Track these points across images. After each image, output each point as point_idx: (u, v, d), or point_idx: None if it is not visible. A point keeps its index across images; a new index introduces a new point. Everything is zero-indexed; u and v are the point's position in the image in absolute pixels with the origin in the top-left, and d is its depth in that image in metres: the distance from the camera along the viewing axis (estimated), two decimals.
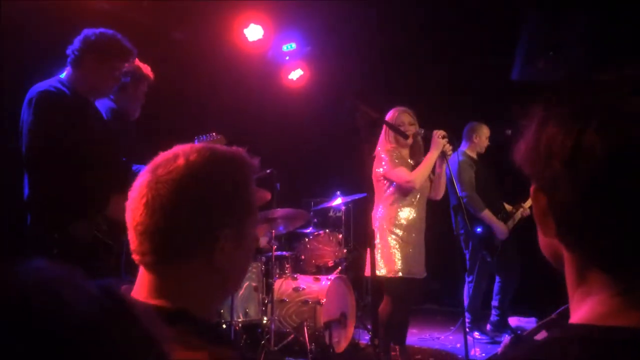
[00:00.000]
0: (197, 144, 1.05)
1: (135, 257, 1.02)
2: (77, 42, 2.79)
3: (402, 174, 3.77)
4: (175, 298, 0.98)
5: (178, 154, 1.01)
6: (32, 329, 0.44)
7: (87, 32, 2.80)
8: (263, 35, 5.52)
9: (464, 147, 5.09)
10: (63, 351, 0.44)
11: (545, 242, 0.76)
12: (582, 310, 0.69)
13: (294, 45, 5.99)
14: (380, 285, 3.80)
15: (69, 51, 2.79)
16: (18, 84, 2.89)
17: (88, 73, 2.79)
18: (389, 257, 3.74)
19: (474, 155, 5.09)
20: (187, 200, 0.97)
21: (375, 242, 3.79)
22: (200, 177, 0.99)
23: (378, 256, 3.74)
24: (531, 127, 0.73)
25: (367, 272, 3.89)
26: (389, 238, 3.77)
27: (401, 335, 3.98)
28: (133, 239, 1.01)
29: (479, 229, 4.83)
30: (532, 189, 0.73)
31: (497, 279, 5.03)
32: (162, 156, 1.03)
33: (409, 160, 3.91)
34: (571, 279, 0.72)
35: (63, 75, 2.81)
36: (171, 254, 0.99)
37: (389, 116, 3.87)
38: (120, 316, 0.50)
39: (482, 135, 5.08)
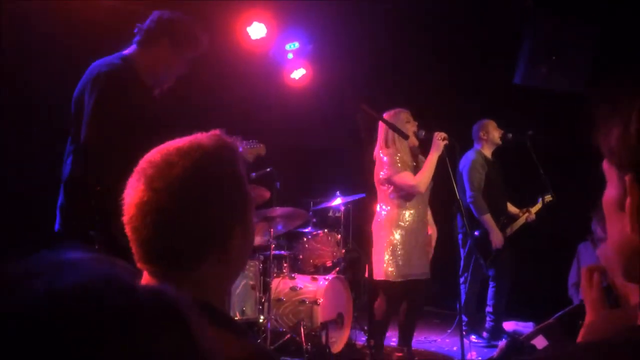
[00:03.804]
0: (177, 142, 1.01)
1: (147, 267, 1.01)
2: (151, 21, 2.52)
3: (407, 178, 3.76)
4: (195, 295, 0.98)
5: (171, 162, 0.98)
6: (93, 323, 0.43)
7: (164, 13, 2.53)
8: (266, 34, 5.51)
9: (477, 147, 5.04)
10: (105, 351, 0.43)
11: (628, 238, 0.67)
12: None
13: (297, 44, 5.97)
14: (379, 286, 3.80)
15: (139, 29, 2.52)
16: (19, 80, 2.86)
17: (157, 58, 2.52)
18: (392, 260, 3.75)
19: (488, 154, 5.01)
20: (195, 207, 0.97)
21: (380, 244, 3.79)
22: (200, 182, 0.98)
23: (384, 258, 3.74)
24: (630, 111, 0.63)
25: (373, 274, 3.89)
26: (393, 240, 3.77)
27: (408, 337, 3.99)
28: (141, 253, 1.00)
29: (477, 232, 4.82)
30: (627, 178, 0.65)
31: (491, 284, 5.01)
32: (152, 164, 0.99)
33: (412, 163, 3.90)
34: None
35: (127, 53, 2.52)
36: (187, 260, 0.99)
37: (388, 116, 3.86)
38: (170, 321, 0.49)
39: (490, 130, 4.99)
